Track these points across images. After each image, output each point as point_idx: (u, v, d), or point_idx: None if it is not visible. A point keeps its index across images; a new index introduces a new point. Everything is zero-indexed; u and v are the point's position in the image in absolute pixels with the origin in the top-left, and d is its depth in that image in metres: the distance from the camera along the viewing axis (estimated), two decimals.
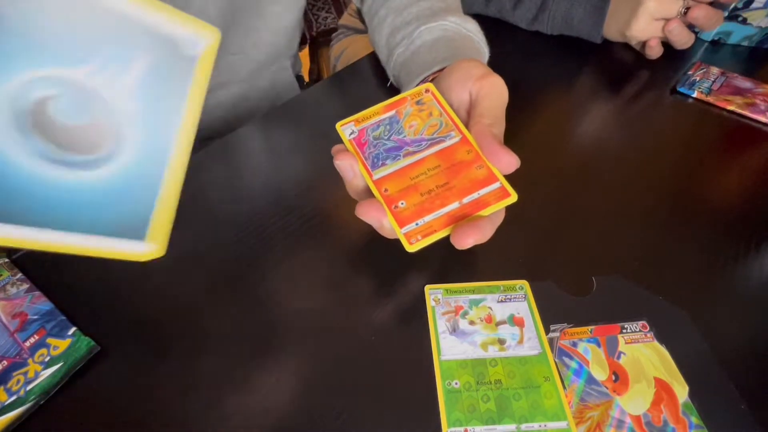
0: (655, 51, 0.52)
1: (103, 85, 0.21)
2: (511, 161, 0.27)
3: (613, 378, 0.28)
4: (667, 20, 0.50)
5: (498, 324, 0.30)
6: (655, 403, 0.27)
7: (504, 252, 0.34)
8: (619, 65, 0.53)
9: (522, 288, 0.32)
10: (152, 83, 0.22)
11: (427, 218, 0.27)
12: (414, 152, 0.29)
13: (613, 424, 0.26)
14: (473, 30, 0.42)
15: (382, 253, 0.34)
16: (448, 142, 0.29)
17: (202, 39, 0.21)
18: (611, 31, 0.54)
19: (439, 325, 0.30)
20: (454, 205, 0.27)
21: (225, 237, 0.35)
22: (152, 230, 0.24)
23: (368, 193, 0.29)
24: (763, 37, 0.55)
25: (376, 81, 0.50)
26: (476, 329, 0.30)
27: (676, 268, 0.34)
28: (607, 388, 0.27)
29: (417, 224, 0.27)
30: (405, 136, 0.29)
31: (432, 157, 0.29)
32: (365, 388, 0.28)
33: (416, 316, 0.31)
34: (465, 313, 0.31)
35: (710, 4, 0.49)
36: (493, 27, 0.60)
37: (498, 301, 0.31)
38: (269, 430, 0.26)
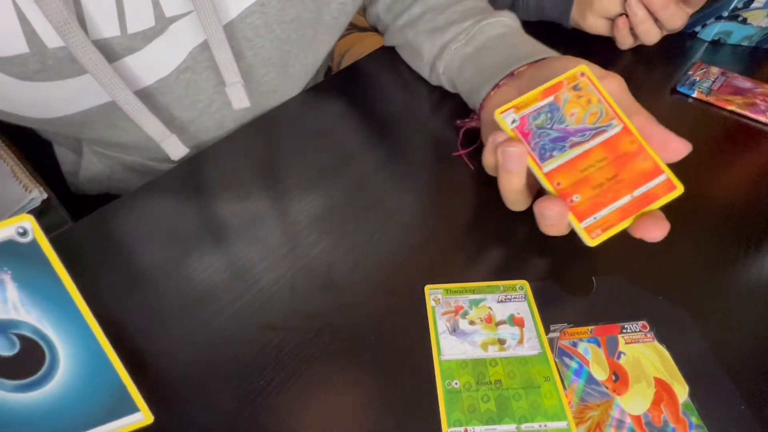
0: (625, 41, 0.53)
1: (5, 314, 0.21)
2: (682, 147, 0.28)
3: (613, 378, 0.28)
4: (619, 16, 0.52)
5: (498, 324, 0.30)
6: (655, 403, 0.27)
7: (504, 252, 0.34)
8: (619, 65, 0.53)
9: (522, 288, 0.32)
10: (26, 285, 0.22)
11: (604, 212, 0.27)
12: (580, 142, 0.28)
13: (613, 424, 0.26)
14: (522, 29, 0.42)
15: (382, 252, 0.34)
16: (610, 132, 0.29)
17: (25, 223, 0.21)
18: (575, 18, 0.55)
19: (439, 325, 0.30)
20: (626, 199, 0.27)
21: (225, 237, 0.35)
22: (137, 399, 0.25)
23: (524, 189, 0.30)
24: (763, 37, 0.55)
25: (377, 81, 0.50)
26: (476, 329, 0.30)
27: (676, 268, 0.34)
28: (607, 388, 0.28)
29: (595, 218, 0.27)
30: (567, 125, 0.29)
31: (598, 148, 0.28)
32: (365, 388, 0.28)
33: (416, 316, 0.31)
34: (465, 313, 0.31)
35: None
36: None
37: (498, 301, 0.31)
38: (270, 430, 0.26)
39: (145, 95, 0.37)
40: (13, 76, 0.32)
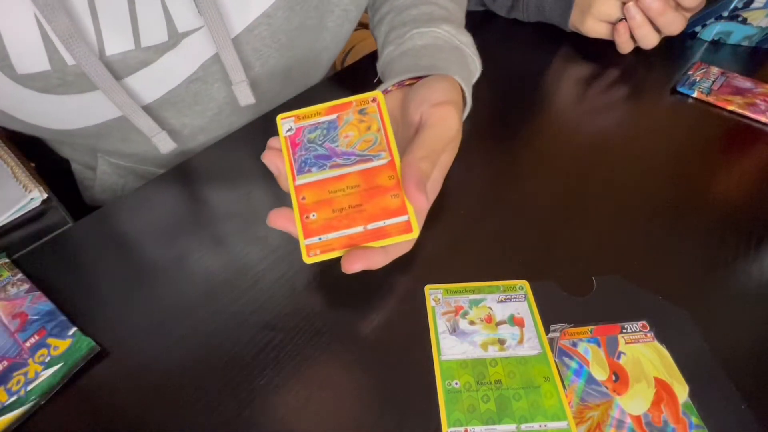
0: (626, 46, 0.53)
1: None
2: (418, 201, 0.27)
3: (613, 378, 0.28)
4: (620, 20, 0.52)
5: (498, 324, 0.30)
6: (655, 403, 0.27)
7: (504, 252, 0.34)
8: (619, 65, 0.53)
9: (522, 288, 0.32)
10: None
11: (331, 236, 0.28)
12: (340, 165, 0.29)
13: (613, 424, 0.26)
14: (466, 42, 0.41)
15: None
16: (375, 162, 0.29)
17: None
18: (574, 22, 0.55)
19: (439, 325, 0.30)
20: (358, 229, 0.28)
21: (225, 237, 0.35)
22: None
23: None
24: (763, 37, 0.55)
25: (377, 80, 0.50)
26: (476, 329, 0.30)
27: (676, 268, 0.34)
28: (607, 388, 0.28)
29: (320, 239, 0.28)
30: (337, 146, 0.30)
31: (355, 174, 0.29)
32: (365, 388, 0.28)
33: (416, 316, 0.31)
34: (465, 313, 0.31)
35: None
36: (496, 24, 0.60)
37: (498, 301, 0.31)
38: (270, 430, 0.26)
39: (157, 104, 0.39)
40: (35, 90, 0.34)
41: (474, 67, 0.41)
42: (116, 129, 0.41)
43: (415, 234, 0.27)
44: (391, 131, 0.30)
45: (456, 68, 0.37)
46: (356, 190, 0.28)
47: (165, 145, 0.40)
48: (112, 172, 0.49)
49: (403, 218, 0.28)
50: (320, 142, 0.30)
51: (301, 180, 0.29)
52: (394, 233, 0.28)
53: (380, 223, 0.28)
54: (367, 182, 0.29)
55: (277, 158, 0.30)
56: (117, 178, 0.50)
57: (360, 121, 0.30)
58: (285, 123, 0.31)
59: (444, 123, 0.31)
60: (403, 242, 0.29)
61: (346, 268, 0.27)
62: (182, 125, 0.43)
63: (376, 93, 0.31)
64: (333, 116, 0.31)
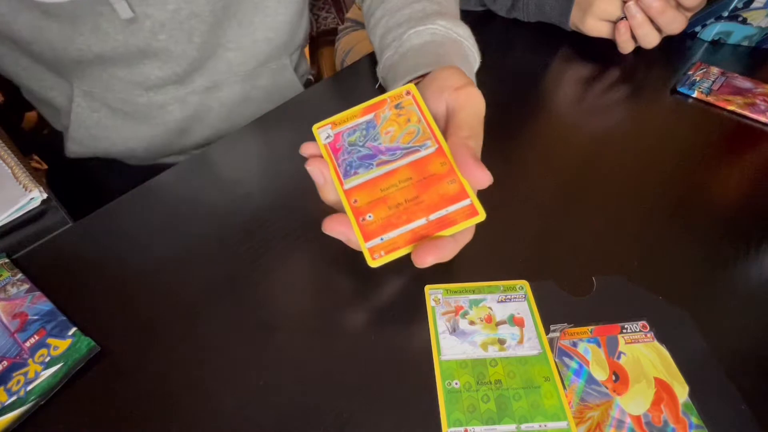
0: (627, 46, 0.53)
1: None
2: (483, 178, 0.26)
3: (614, 378, 0.28)
4: (620, 19, 0.52)
5: (498, 324, 0.30)
6: (655, 403, 0.27)
7: (504, 252, 0.34)
8: (619, 65, 0.54)
9: (522, 288, 0.32)
10: None
11: (393, 233, 0.26)
12: (387, 161, 0.28)
13: (613, 424, 0.26)
14: (464, 35, 0.41)
15: None
16: (423, 152, 0.28)
17: None
18: (575, 21, 0.55)
19: (439, 325, 0.30)
20: (420, 222, 0.26)
21: (225, 238, 0.35)
22: None
23: (339, 201, 0.29)
24: (763, 37, 0.55)
25: (377, 81, 0.50)
26: (476, 329, 0.30)
27: (676, 268, 0.34)
28: (607, 388, 0.27)
29: (382, 239, 0.26)
30: (380, 143, 0.29)
31: (405, 168, 0.28)
32: (365, 388, 0.28)
33: (416, 316, 0.31)
34: (465, 313, 0.31)
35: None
36: (496, 24, 0.60)
37: (498, 301, 0.31)
38: (270, 430, 0.26)
39: None
40: None
41: (473, 58, 0.41)
42: (89, 14, 0.42)
43: (482, 216, 0.26)
44: (432, 119, 0.29)
45: (458, 60, 0.37)
46: (409, 183, 0.27)
47: (123, 11, 0.41)
48: (87, 106, 0.50)
49: (465, 202, 0.27)
50: (362, 143, 0.29)
51: (350, 183, 0.28)
52: (460, 219, 0.26)
53: (443, 212, 0.26)
54: (419, 173, 0.27)
55: (322, 165, 0.28)
56: (90, 112, 0.51)
57: (398, 115, 0.29)
58: (322, 132, 0.30)
59: (474, 102, 0.30)
60: (469, 228, 0.27)
61: (419, 262, 0.26)
62: (144, 15, 0.44)
63: (409, 86, 0.30)
64: (369, 116, 0.30)
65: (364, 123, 0.30)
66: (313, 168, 0.29)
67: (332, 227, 0.27)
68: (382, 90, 0.46)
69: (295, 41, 0.59)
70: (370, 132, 0.29)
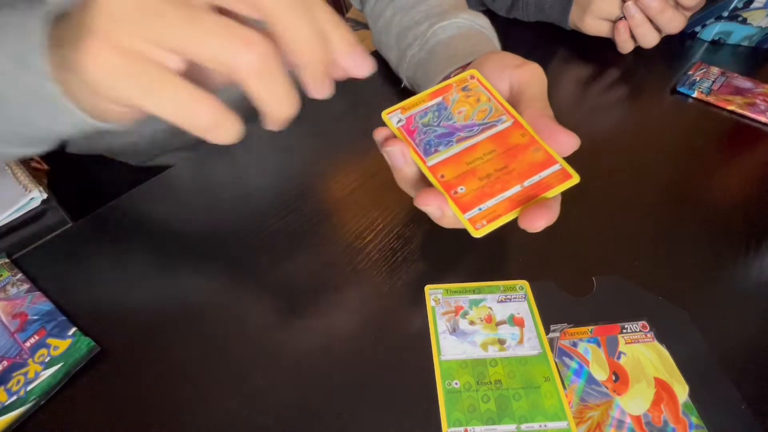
0: (626, 46, 0.53)
1: None
2: (570, 141, 0.26)
3: (614, 378, 0.28)
4: (619, 19, 0.52)
5: (498, 324, 0.30)
6: (655, 403, 0.27)
7: (504, 252, 0.34)
8: (619, 65, 0.53)
9: (522, 288, 0.32)
10: None
11: (490, 203, 0.26)
12: (467, 137, 0.28)
13: (614, 424, 0.26)
14: (485, 26, 0.42)
15: (383, 253, 0.34)
16: (500, 127, 0.28)
17: None
18: (574, 19, 0.55)
19: (439, 325, 0.30)
20: (515, 189, 0.26)
21: (225, 237, 0.35)
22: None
23: (419, 183, 0.28)
24: (763, 37, 0.55)
25: (378, 80, 0.50)
26: (476, 329, 0.30)
27: (676, 268, 0.34)
28: (607, 388, 0.27)
29: (480, 209, 0.26)
30: (455, 122, 0.29)
31: (486, 141, 0.28)
32: (365, 388, 0.28)
33: (416, 316, 0.31)
34: (465, 313, 0.31)
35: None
36: (496, 24, 0.60)
37: (498, 301, 0.31)
38: (270, 430, 0.26)
39: None
40: None
41: (498, 47, 0.41)
42: None
43: (576, 179, 0.26)
44: (501, 97, 0.29)
45: (489, 49, 0.38)
46: (494, 155, 0.27)
47: None
48: None
49: (555, 167, 0.27)
50: (436, 123, 0.29)
51: (433, 160, 0.28)
52: (555, 183, 0.26)
53: (536, 178, 0.26)
54: (502, 145, 0.28)
55: (401, 145, 0.27)
56: None
57: (467, 96, 0.30)
58: (392, 117, 0.30)
59: (539, 77, 0.30)
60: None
61: (531, 226, 0.25)
62: None
63: (472, 71, 0.31)
64: (438, 99, 0.30)
65: (435, 105, 0.30)
66: (393, 148, 0.28)
67: (426, 200, 0.26)
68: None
69: None
70: (442, 113, 0.29)
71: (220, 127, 0.20)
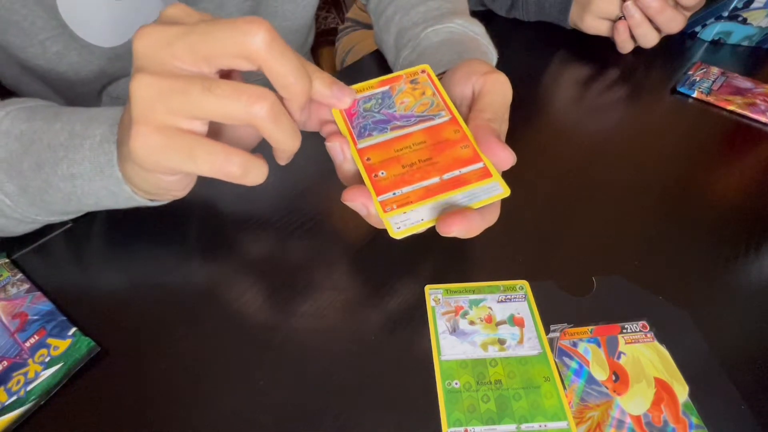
0: (625, 46, 0.53)
1: None
2: (507, 157, 0.26)
3: (614, 378, 0.28)
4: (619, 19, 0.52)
5: (498, 324, 0.30)
6: (655, 403, 0.27)
7: (504, 252, 0.34)
8: (619, 65, 0.54)
9: (522, 288, 0.32)
10: None
11: (406, 189, 0.27)
12: (402, 126, 0.29)
13: (614, 424, 0.26)
14: (480, 33, 0.42)
15: (383, 253, 0.34)
16: (437, 121, 0.29)
17: None
18: (574, 18, 0.55)
19: (439, 325, 0.30)
20: (434, 180, 0.27)
21: (225, 237, 0.35)
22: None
23: (358, 179, 0.29)
24: (763, 37, 0.55)
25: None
26: (476, 329, 0.30)
27: (676, 268, 0.34)
28: (607, 388, 0.28)
29: (394, 194, 0.26)
30: (395, 111, 0.30)
31: (419, 132, 0.29)
32: (365, 388, 0.28)
33: (416, 316, 0.31)
34: (465, 313, 0.31)
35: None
36: (496, 24, 0.60)
37: (498, 301, 0.31)
38: (270, 430, 0.26)
39: None
40: None
41: (491, 56, 0.42)
42: None
43: (496, 177, 0.26)
44: (446, 95, 0.30)
45: (478, 56, 0.38)
46: (423, 146, 0.28)
47: None
48: (111, 105, 0.49)
49: (478, 165, 0.27)
50: (377, 110, 0.30)
51: (363, 144, 0.28)
52: (473, 180, 0.26)
53: (456, 172, 0.27)
54: (433, 138, 0.28)
55: (342, 142, 0.28)
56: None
57: (413, 89, 0.30)
58: None
59: (501, 88, 0.30)
60: (494, 206, 0.28)
61: (444, 231, 0.25)
62: None
63: (424, 66, 0.31)
64: (385, 87, 0.31)
65: (380, 93, 0.30)
66: (333, 144, 0.28)
67: (353, 197, 0.27)
68: None
69: (308, 42, 0.59)
70: (385, 101, 0.30)
71: (250, 173, 0.23)
